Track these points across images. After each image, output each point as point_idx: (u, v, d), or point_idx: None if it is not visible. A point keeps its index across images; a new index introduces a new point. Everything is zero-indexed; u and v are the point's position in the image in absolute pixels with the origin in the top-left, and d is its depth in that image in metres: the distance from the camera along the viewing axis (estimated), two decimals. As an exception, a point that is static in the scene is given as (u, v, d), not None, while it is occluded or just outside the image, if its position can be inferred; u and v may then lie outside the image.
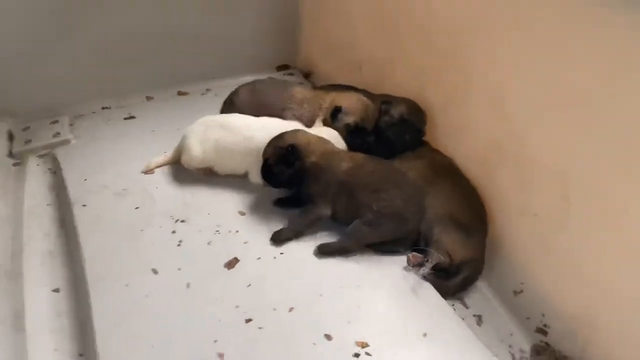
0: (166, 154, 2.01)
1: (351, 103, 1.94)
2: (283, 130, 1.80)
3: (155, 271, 1.59)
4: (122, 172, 1.97)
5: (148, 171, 1.97)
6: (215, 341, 1.40)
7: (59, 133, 2.19)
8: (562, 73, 1.45)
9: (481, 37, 1.71)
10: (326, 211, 1.73)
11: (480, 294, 1.70)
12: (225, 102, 2.17)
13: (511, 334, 1.59)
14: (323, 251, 1.66)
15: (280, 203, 1.84)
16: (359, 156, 1.76)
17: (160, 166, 2.00)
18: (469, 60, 1.78)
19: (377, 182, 1.67)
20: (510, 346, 1.55)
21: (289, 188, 1.82)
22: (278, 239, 1.70)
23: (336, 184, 1.70)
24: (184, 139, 1.95)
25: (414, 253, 1.63)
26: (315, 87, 2.38)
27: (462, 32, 1.78)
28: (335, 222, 1.75)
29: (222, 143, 1.88)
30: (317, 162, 1.72)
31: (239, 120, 1.94)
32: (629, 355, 1.35)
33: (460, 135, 1.89)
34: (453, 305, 1.64)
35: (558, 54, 1.45)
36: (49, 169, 2.08)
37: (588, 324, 1.44)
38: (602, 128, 1.37)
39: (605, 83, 1.34)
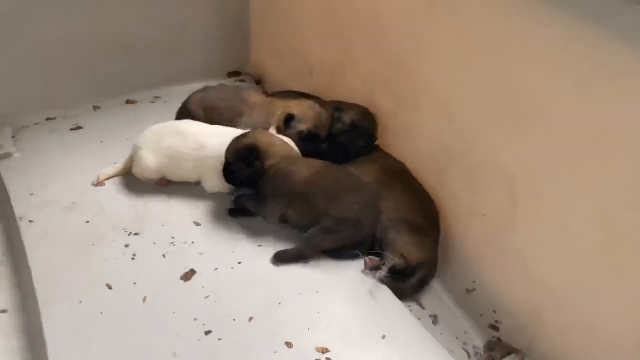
0: (116, 165, 1.97)
1: (304, 111, 1.96)
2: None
3: (109, 286, 1.56)
4: (70, 186, 1.92)
5: (99, 183, 1.92)
6: (175, 355, 1.38)
7: (1, 145, 2.10)
8: (503, 78, 1.52)
9: (426, 44, 1.76)
10: (273, 218, 1.75)
11: (435, 294, 1.75)
12: (179, 110, 2.14)
13: (465, 332, 1.64)
14: (280, 258, 1.67)
15: (233, 213, 1.83)
16: (317, 163, 1.77)
17: (111, 178, 1.96)
18: (416, 66, 1.83)
19: (335, 189, 1.69)
20: (465, 343, 1.61)
21: (248, 187, 1.82)
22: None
23: (293, 191, 1.70)
24: (135, 148, 1.92)
25: (370, 257, 1.66)
26: (267, 94, 2.38)
27: (408, 39, 1.83)
28: (291, 227, 1.77)
29: (175, 150, 1.86)
30: (275, 166, 1.73)
31: (192, 127, 1.92)
32: (572, 345, 1.42)
33: (411, 139, 1.94)
34: (410, 306, 1.68)
35: (499, 60, 1.52)
36: (-8, 183, 2.00)
37: (535, 318, 1.52)
38: (544, 130, 1.43)
39: (545, 86, 1.41)
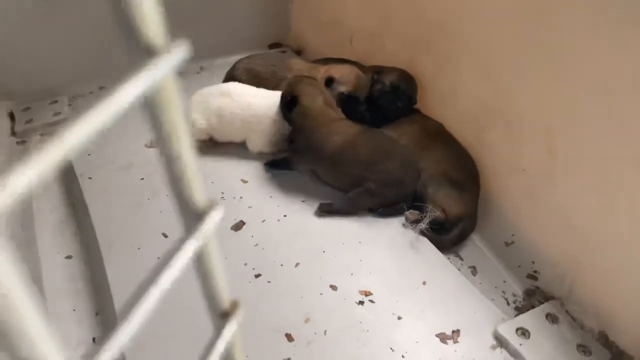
0: None
1: (344, 74, 2.02)
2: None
3: (165, 235, 1.66)
4: (125, 147, 2.03)
5: (152, 145, 2.04)
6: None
7: (59, 112, 2.24)
8: (540, 32, 1.54)
9: (467, 6, 1.79)
10: (302, 167, 1.88)
11: (474, 247, 1.80)
12: (225, 77, 2.24)
13: (504, 281, 1.69)
14: (324, 210, 1.75)
15: (271, 165, 1.93)
16: (352, 130, 1.80)
17: None
18: (456, 28, 1.86)
19: (371, 156, 1.74)
20: (503, 292, 1.65)
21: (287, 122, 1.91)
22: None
23: (323, 154, 1.78)
24: (186, 113, 2.01)
25: (411, 210, 1.72)
26: (309, 61, 2.45)
27: (448, 2, 1.86)
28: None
29: (222, 110, 1.95)
30: (306, 125, 1.80)
31: (239, 89, 2.01)
32: (609, 292, 1.45)
33: (451, 100, 1.97)
34: (449, 258, 1.73)
35: (536, 15, 1.54)
36: (52, 146, 2.13)
37: (573, 267, 1.55)
38: (581, 80, 1.46)
39: (582, 36, 1.43)
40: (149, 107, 0.35)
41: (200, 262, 0.42)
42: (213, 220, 0.40)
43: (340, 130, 1.79)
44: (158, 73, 0.32)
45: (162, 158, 0.37)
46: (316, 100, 1.84)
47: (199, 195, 0.39)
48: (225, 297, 0.45)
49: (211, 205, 0.41)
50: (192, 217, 0.41)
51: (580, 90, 1.46)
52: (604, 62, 1.38)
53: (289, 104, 1.84)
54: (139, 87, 0.31)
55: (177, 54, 0.34)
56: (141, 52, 0.32)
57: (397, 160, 1.75)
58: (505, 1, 1.64)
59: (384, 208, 1.75)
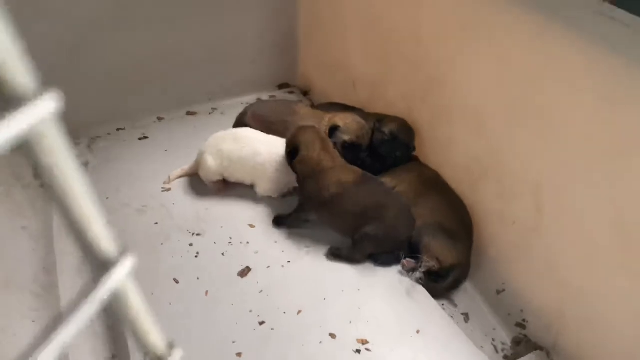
0: (184, 167, 2.23)
1: (347, 123, 2.14)
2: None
3: (176, 281, 1.79)
4: (140, 191, 2.17)
5: (169, 182, 2.21)
6: (234, 342, 1.60)
7: (79, 155, 2.38)
8: (530, 95, 1.65)
9: (461, 64, 1.90)
10: (310, 216, 1.97)
11: (467, 294, 1.90)
12: (236, 121, 2.36)
13: (494, 329, 1.79)
14: (333, 253, 1.90)
15: (278, 223, 2.03)
16: (351, 178, 1.87)
17: (180, 177, 2.23)
18: (452, 85, 1.97)
19: (366, 206, 1.83)
20: (493, 339, 1.75)
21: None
22: (277, 223, 1.99)
23: (320, 202, 1.88)
24: (200, 153, 2.15)
25: (407, 259, 1.83)
26: (314, 106, 2.58)
27: (444, 58, 1.97)
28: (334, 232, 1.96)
29: (233, 154, 2.08)
30: (305, 174, 1.91)
31: (249, 135, 2.14)
32: (592, 343, 1.55)
33: (446, 150, 2.08)
34: (443, 304, 1.83)
35: (526, 79, 1.65)
36: (73, 188, 2.27)
37: (559, 318, 1.64)
38: (568, 144, 1.56)
39: (569, 103, 1.54)
40: (32, 154, 0.33)
41: (117, 311, 0.40)
42: (124, 269, 0.39)
43: (337, 180, 1.87)
44: (30, 120, 0.31)
45: (57, 207, 0.35)
46: (313, 150, 1.92)
47: (105, 243, 0.36)
48: (158, 342, 0.43)
49: (122, 253, 0.39)
50: (99, 266, 0.37)
51: (566, 153, 1.57)
52: (587, 130, 1.49)
53: (291, 155, 1.96)
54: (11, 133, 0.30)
55: (48, 103, 0.33)
56: (9, 102, 0.31)
57: (391, 211, 1.84)
58: (494, 64, 1.75)
59: (382, 256, 1.87)
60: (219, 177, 2.14)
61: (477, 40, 1.81)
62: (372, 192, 1.88)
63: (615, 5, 1.39)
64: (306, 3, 2.75)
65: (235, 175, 2.13)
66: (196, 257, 1.88)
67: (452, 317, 1.78)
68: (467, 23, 1.84)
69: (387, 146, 2.13)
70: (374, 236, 1.82)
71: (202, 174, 2.15)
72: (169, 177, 2.22)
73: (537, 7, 1.58)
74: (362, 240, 1.85)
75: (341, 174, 1.90)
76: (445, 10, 1.92)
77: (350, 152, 2.12)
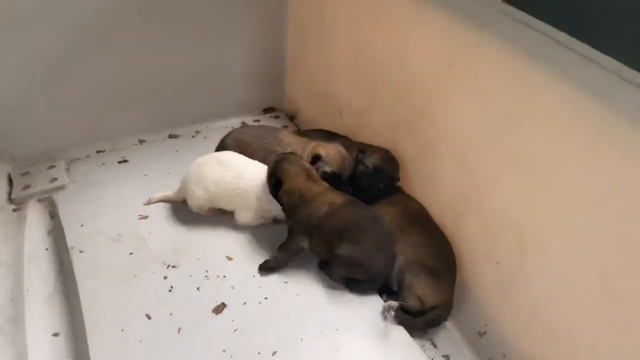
0: (167, 193, 2.17)
1: (330, 153, 2.09)
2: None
3: (148, 316, 1.72)
4: (116, 217, 2.10)
5: (149, 203, 2.16)
6: (204, 384, 1.53)
7: (56, 178, 2.31)
8: (515, 135, 1.63)
9: (447, 98, 1.88)
10: (303, 243, 1.89)
11: (448, 334, 1.85)
12: (218, 146, 2.31)
13: (475, 373, 1.74)
14: (321, 267, 1.90)
15: (265, 270, 1.94)
16: (339, 199, 1.87)
17: (160, 201, 2.17)
18: (437, 118, 1.94)
19: (346, 227, 1.80)
20: (474, 384, 1.70)
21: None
22: (264, 268, 1.89)
23: (311, 225, 1.84)
24: (183, 183, 2.10)
25: (389, 302, 1.76)
26: (299, 132, 2.54)
27: (430, 92, 1.94)
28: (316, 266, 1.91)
29: (217, 177, 2.02)
30: (294, 202, 1.87)
31: (233, 158, 2.09)
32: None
33: (431, 184, 2.05)
34: (423, 346, 1.78)
35: (511, 119, 1.63)
36: (49, 212, 2.21)
37: (542, 364, 1.60)
38: (552, 187, 1.53)
39: (553, 147, 1.51)
40: None
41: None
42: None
43: (328, 201, 1.85)
44: None
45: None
46: (298, 180, 1.90)
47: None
48: None
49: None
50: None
51: (551, 198, 1.54)
52: (570, 174, 1.46)
53: (275, 186, 1.91)
54: None
55: None
56: None
57: (368, 237, 1.80)
58: (479, 99, 1.73)
59: (355, 284, 1.82)
60: (208, 205, 2.08)
61: (463, 75, 1.79)
62: (357, 213, 1.85)
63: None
64: (295, 29, 2.72)
65: (220, 202, 2.07)
66: (170, 291, 1.82)
67: (432, 359, 1.72)
68: (453, 57, 1.81)
69: (370, 178, 2.09)
70: (346, 257, 1.79)
71: (191, 203, 2.09)
72: (150, 198, 2.17)
73: (520, 45, 1.55)
74: (334, 261, 1.82)
75: (331, 196, 1.88)
76: (432, 43, 1.90)
77: (330, 182, 2.07)
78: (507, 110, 1.65)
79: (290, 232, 1.92)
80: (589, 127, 1.39)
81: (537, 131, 1.55)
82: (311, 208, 1.85)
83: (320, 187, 1.92)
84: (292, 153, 2.04)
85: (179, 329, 1.69)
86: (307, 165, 1.99)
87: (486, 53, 1.67)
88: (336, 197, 1.88)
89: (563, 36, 1.49)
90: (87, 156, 2.51)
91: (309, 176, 1.93)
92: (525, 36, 1.58)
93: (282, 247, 1.93)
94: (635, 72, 1.30)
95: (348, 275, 1.83)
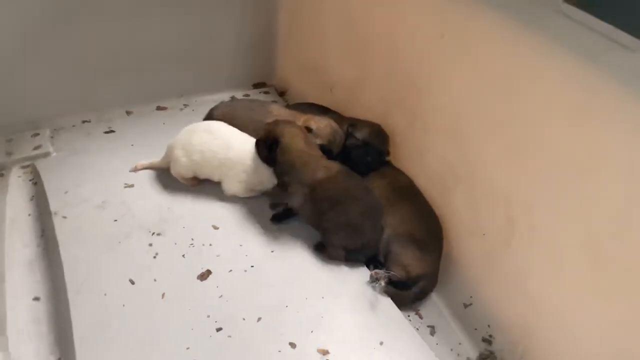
0: (153, 159, 2.14)
1: (320, 126, 2.07)
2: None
3: (132, 282, 1.70)
4: (101, 185, 2.07)
5: (135, 170, 2.14)
6: (188, 348, 1.51)
7: (40, 145, 2.27)
8: (504, 106, 1.62)
9: (437, 70, 1.87)
10: (299, 201, 1.87)
11: (434, 306, 1.85)
12: (205, 118, 2.28)
13: (460, 343, 1.74)
14: (317, 248, 1.87)
15: (276, 219, 1.96)
16: (335, 167, 1.85)
17: (146, 168, 2.15)
18: (427, 90, 1.93)
19: (339, 195, 1.80)
20: (458, 355, 1.70)
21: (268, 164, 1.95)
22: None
23: (306, 187, 1.83)
24: (170, 148, 2.07)
25: (376, 270, 1.76)
26: (289, 106, 2.51)
27: (421, 64, 1.93)
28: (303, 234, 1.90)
29: (204, 146, 1.99)
30: (291, 161, 1.85)
31: (223, 127, 2.07)
32: (561, 363, 1.51)
33: (420, 157, 2.04)
34: (409, 316, 1.78)
35: (501, 90, 1.63)
36: (30, 180, 2.17)
37: (526, 334, 1.60)
38: (540, 156, 1.53)
39: (542, 116, 1.51)
40: None
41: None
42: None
43: (323, 166, 1.84)
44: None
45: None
46: (297, 139, 1.88)
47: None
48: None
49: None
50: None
51: (539, 168, 1.53)
52: (559, 142, 1.46)
53: (270, 147, 1.89)
54: None
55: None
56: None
57: (358, 206, 1.80)
58: (472, 73, 1.72)
59: (351, 254, 1.82)
60: (190, 174, 2.05)
61: (454, 47, 1.78)
62: (349, 184, 1.84)
63: (593, 15, 1.36)
64: (286, 3, 2.69)
65: (205, 171, 2.04)
66: (155, 257, 1.79)
67: (417, 329, 1.73)
68: (443, 29, 1.80)
69: (359, 151, 2.08)
70: (335, 223, 1.78)
71: (173, 170, 2.07)
72: (136, 165, 2.14)
73: (512, 13, 1.54)
74: (327, 230, 1.81)
75: (326, 163, 1.87)
76: (422, 15, 1.89)
77: (322, 156, 2.05)
78: (498, 80, 1.64)
79: (286, 189, 1.90)
80: (578, 93, 1.38)
81: (526, 101, 1.54)
82: (307, 170, 1.83)
83: (317, 152, 1.92)
84: (287, 121, 2.03)
85: (163, 294, 1.66)
86: (305, 132, 1.97)
87: (478, 23, 1.66)
88: (331, 165, 1.87)
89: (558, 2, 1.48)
90: (73, 126, 2.46)
91: (306, 139, 1.92)
92: (518, 4, 1.57)
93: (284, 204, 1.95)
94: (626, 35, 1.29)
95: (341, 243, 1.81)
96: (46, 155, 2.25)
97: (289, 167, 1.85)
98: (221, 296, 1.68)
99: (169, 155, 2.08)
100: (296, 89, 2.79)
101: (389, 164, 2.16)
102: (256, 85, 2.88)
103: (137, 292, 1.68)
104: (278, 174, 1.92)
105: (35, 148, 2.26)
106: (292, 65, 2.79)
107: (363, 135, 2.08)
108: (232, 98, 2.72)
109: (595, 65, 1.32)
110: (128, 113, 2.59)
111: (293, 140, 1.87)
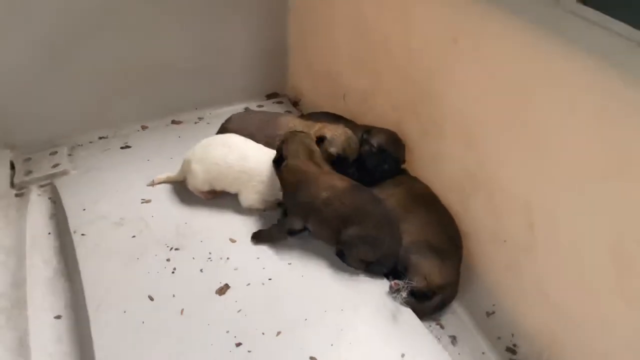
0: (169, 174, 2.16)
1: (335, 135, 2.06)
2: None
3: (151, 298, 1.70)
4: (119, 202, 2.08)
5: (152, 184, 2.15)
6: (208, 365, 1.51)
7: (58, 164, 2.30)
8: (523, 111, 1.58)
9: (452, 76, 1.84)
10: (297, 225, 1.87)
11: (455, 315, 1.82)
12: (219, 131, 2.28)
13: (483, 353, 1.70)
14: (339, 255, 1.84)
15: (292, 233, 1.93)
16: (340, 185, 1.83)
17: (163, 182, 2.16)
18: (442, 96, 1.90)
19: (349, 212, 1.77)
20: (482, 365, 1.67)
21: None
22: (256, 237, 1.91)
23: (308, 208, 1.82)
24: (186, 162, 2.08)
25: (395, 281, 1.74)
26: (303, 116, 2.50)
27: (435, 70, 1.91)
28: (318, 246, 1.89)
29: (220, 159, 2.00)
30: (293, 182, 1.85)
31: (238, 140, 2.07)
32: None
33: (437, 164, 2.01)
34: (430, 326, 1.75)
35: (519, 93, 1.59)
36: (50, 198, 2.19)
37: (552, 343, 1.56)
38: (561, 161, 1.50)
39: (563, 120, 1.47)
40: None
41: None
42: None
43: (328, 185, 1.82)
44: None
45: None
46: (298, 159, 1.88)
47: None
48: None
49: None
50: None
51: (560, 173, 1.50)
52: (581, 145, 1.42)
53: (277, 162, 1.89)
54: None
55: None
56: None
57: (371, 219, 1.77)
58: (489, 78, 1.69)
59: (371, 266, 1.80)
60: (206, 187, 2.06)
61: (468, 51, 1.75)
62: (359, 199, 1.81)
63: (608, 14, 1.32)
64: (297, 13, 2.69)
65: (221, 184, 2.05)
66: (173, 273, 1.79)
67: (439, 339, 1.70)
68: (457, 33, 1.77)
69: (375, 159, 2.06)
70: (355, 238, 1.76)
71: (190, 184, 2.08)
72: (153, 180, 2.16)
73: (525, 15, 1.51)
74: (345, 245, 1.79)
75: (333, 180, 1.85)
76: (436, 21, 1.86)
77: (337, 165, 2.04)
78: (514, 84, 1.61)
79: (286, 212, 1.91)
80: (599, 95, 1.35)
81: (545, 103, 1.51)
82: (309, 190, 1.82)
83: (322, 170, 1.89)
84: (302, 132, 2.02)
85: (182, 310, 1.66)
86: (314, 146, 1.96)
87: (492, 26, 1.63)
88: (337, 182, 1.85)
89: (572, 3, 1.45)
90: (90, 142, 2.49)
91: (310, 157, 1.91)
92: (533, 5, 1.54)
93: (277, 224, 1.93)
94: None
95: (360, 257, 1.80)
96: (64, 173, 2.27)
97: (291, 187, 1.85)
98: (240, 310, 1.67)
99: (185, 169, 2.08)
100: (309, 99, 2.78)
101: (404, 171, 2.14)
102: (269, 96, 2.89)
103: (156, 309, 1.68)
104: (284, 195, 1.92)
105: (54, 166, 2.28)
106: (304, 75, 2.79)
107: (379, 142, 2.06)
108: (246, 109, 2.72)
109: (614, 65, 1.28)
110: (144, 128, 2.61)
111: (295, 160, 1.87)
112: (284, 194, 1.92)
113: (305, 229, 1.88)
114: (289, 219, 1.90)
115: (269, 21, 2.72)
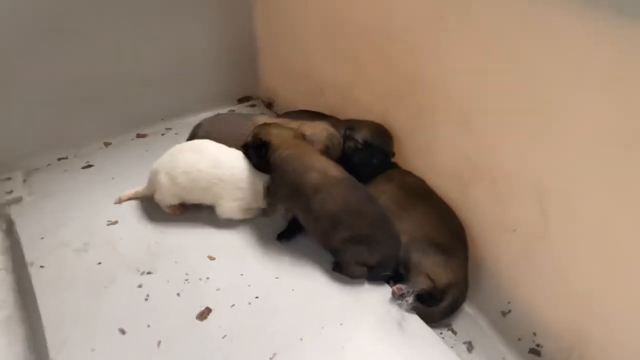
0: (137, 189, 1.96)
1: (315, 132, 1.88)
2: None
3: (122, 331, 1.48)
4: (82, 226, 1.86)
5: (119, 202, 1.96)
6: (192, 403, 1.30)
7: (11, 190, 2.07)
8: (525, 82, 1.42)
9: (441, 56, 1.67)
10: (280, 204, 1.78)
11: (468, 318, 1.64)
12: (189, 137, 2.09)
13: (503, 358, 1.52)
14: (335, 268, 1.67)
15: (282, 237, 1.78)
16: (334, 173, 1.64)
17: (131, 199, 1.97)
18: (431, 79, 1.74)
19: (339, 210, 1.58)
20: (504, 371, 1.48)
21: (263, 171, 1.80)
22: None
23: (299, 193, 1.63)
24: (153, 173, 1.88)
25: (397, 285, 1.55)
26: (279, 116, 2.32)
27: (422, 52, 1.74)
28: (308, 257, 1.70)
29: (190, 166, 1.80)
30: (281, 160, 1.69)
31: (209, 145, 1.88)
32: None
33: (430, 154, 1.84)
34: (441, 333, 1.57)
35: (518, 64, 1.42)
36: (3, 230, 1.96)
37: (581, 340, 1.39)
38: (573, 135, 1.33)
39: (571, 88, 1.30)
40: None
41: None
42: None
43: (320, 167, 1.64)
44: None
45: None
46: (286, 135, 1.74)
47: None
48: None
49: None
50: None
51: (573, 148, 1.33)
52: (598, 119, 1.25)
53: (259, 151, 1.72)
54: None
55: None
56: None
57: (364, 220, 1.58)
58: (482, 52, 1.52)
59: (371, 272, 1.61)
60: (176, 200, 1.85)
61: (455, 28, 1.59)
62: (349, 197, 1.61)
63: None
64: (263, 8, 2.51)
65: (193, 194, 1.84)
66: (146, 300, 1.58)
67: (452, 347, 1.51)
68: (442, 10, 1.61)
69: (362, 154, 1.88)
70: (347, 242, 1.58)
71: (157, 197, 1.87)
72: (120, 197, 1.96)
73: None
74: (338, 250, 1.61)
75: (327, 165, 1.66)
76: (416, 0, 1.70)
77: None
78: (512, 57, 1.44)
79: (290, 222, 1.78)
80: (612, 55, 1.18)
81: (549, 73, 1.34)
82: (304, 167, 1.64)
83: (310, 146, 1.76)
84: (274, 123, 1.88)
85: (159, 342, 1.45)
86: (298, 131, 1.82)
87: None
88: (334, 169, 1.65)
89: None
90: (48, 164, 2.27)
91: (296, 135, 1.77)
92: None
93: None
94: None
95: (357, 261, 1.60)
96: (18, 200, 2.04)
97: (282, 169, 1.68)
98: (225, 336, 1.46)
99: (153, 181, 1.88)
100: (284, 98, 2.60)
101: (395, 165, 1.96)
102: (241, 100, 2.70)
103: (129, 343, 1.46)
104: (270, 189, 1.74)
105: (7, 193, 2.05)
106: (276, 74, 2.61)
107: (364, 136, 1.89)
108: (217, 115, 2.53)
109: (629, 21, 1.12)
110: (107, 144, 2.39)
111: (284, 138, 1.73)
112: (272, 178, 1.73)
113: (295, 222, 1.73)
114: (275, 199, 1.76)
115: (234, 21, 2.54)
